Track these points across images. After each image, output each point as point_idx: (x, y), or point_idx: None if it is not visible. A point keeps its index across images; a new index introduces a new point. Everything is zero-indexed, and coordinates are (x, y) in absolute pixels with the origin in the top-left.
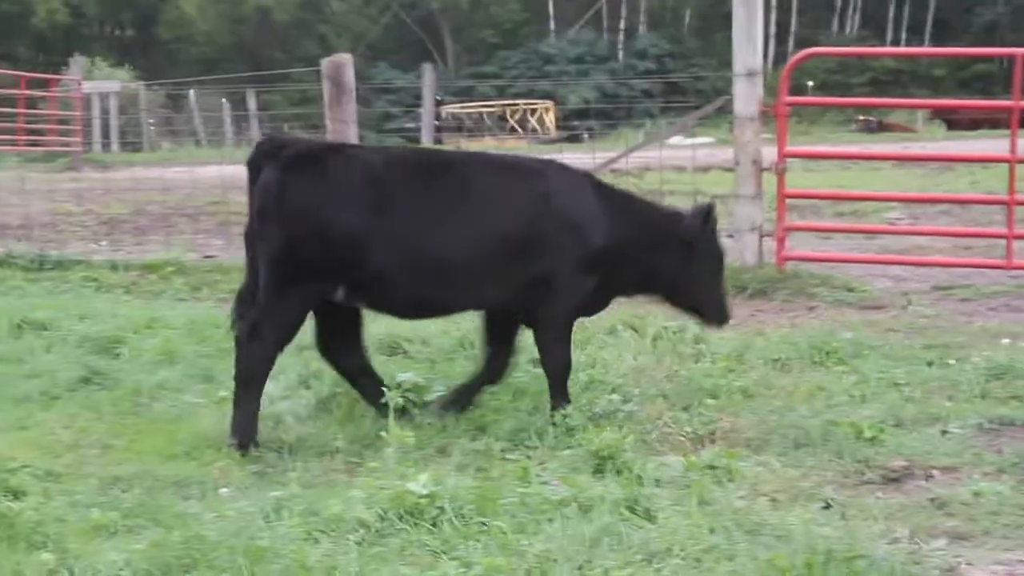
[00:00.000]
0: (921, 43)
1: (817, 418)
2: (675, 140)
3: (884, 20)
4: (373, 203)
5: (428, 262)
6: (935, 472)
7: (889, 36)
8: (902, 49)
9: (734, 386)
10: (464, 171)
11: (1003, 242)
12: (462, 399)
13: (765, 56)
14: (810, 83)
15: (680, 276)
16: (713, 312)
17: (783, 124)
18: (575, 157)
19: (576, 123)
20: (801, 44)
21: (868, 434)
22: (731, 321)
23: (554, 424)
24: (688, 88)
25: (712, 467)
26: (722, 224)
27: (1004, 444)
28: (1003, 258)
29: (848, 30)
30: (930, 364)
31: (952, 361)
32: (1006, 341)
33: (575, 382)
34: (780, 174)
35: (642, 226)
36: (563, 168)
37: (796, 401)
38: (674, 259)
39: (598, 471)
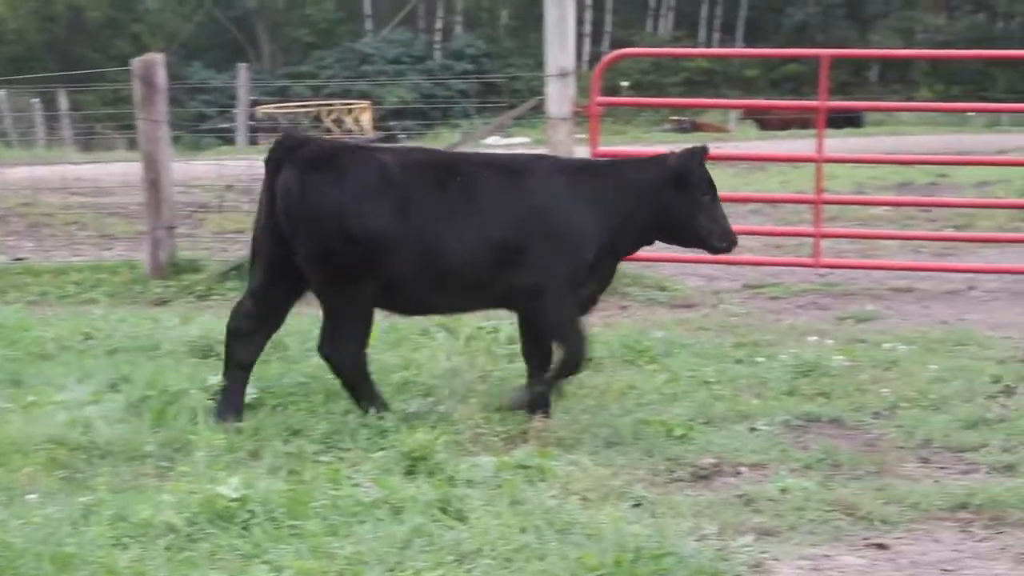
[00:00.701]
0: (733, 43)
1: (628, 417)
2: (491, 140)
3: (697, 20)
4: (391, 203)
5: (435, 263)
6: (743, 469)
7: (702, 36)
8: (714, 50)
9: None
10: (470, 172)
11: (811, 240)
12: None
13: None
14: (624, 83)
15: (680, 215)
16: (718, 238)
17: (595, 124)
18: None
19: (393, 123)
20: (616, 44)
21: (678, 432)
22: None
23: (366, 426)
24: (504, 88)
25: (524, 467)
26: None
27: (810, 440)
28: (811, 256)
29: (662, 30)
30: (739, 362)
31: (761, 359)
32: (813, 339)
33: (387, 383)
34: None
35: (636, 196)
36: (554, 168)
37: (608, 400)
38: (671, 204)
39: (410, 472)
